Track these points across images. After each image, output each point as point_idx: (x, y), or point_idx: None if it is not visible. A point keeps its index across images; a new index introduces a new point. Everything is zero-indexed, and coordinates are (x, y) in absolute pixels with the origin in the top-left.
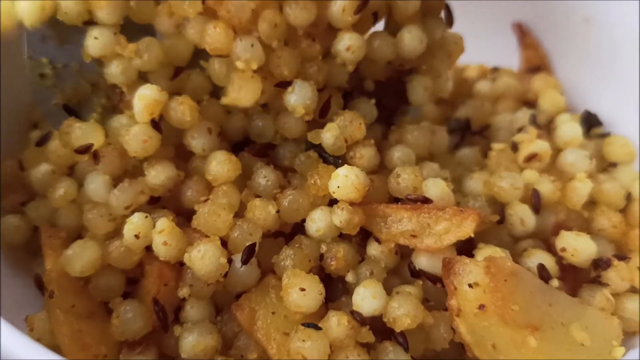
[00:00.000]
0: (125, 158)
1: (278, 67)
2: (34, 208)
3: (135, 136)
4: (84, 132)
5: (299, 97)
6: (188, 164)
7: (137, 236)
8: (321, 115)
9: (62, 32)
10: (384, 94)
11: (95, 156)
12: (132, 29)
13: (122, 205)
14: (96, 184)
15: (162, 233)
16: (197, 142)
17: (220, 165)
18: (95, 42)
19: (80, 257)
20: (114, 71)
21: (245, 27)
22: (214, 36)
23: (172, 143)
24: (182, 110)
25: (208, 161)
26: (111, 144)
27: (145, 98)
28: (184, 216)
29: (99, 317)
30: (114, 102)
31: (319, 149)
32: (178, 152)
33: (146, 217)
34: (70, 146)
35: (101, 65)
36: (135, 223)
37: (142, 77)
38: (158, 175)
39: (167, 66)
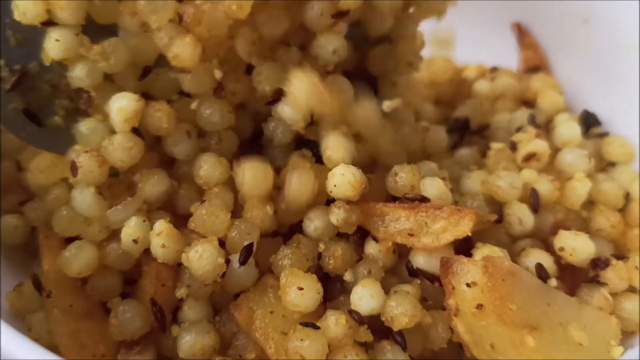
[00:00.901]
0: (105, 165)
1: (260, 84)
2: (31, 208)
3: (120, 144)
4: None
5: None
6: (173, 169)
7: (135, 241)
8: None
9: (19, 33)
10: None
11: (73, 167)
12: (93, 28)
13: (121, 222)
14: (83, 199)
15: (160, 235)
16: (179, 149)
17: (211, 170)
18: (57, 44)
19: (78, 258)
20: (79, 74)
21: (215, 43)
22: (181, 52)
23: (151, 149)
24: (159, 117)
25: (197, 166)
26: (88, 152)
27: (124, 111)
28: (179, 216)
29: (97, 316)
30: (82, 107)
31: (311, 146)
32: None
33: (144, 220)
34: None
35: (62, 68)
36: (133, 227)
37: (108, 78)
38: (154, 188)
39: (135, 66)
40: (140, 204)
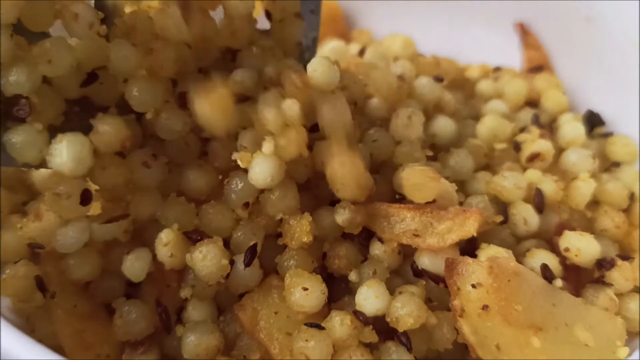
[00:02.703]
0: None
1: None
2: (33, 208)
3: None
4: None
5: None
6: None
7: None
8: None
9: None
10: None
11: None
12: (23, 28)
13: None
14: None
15: (167, 246)
16: (150, 175)
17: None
18: None
19: (81, 266)
20: (18, 79)
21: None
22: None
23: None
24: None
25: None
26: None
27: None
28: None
29: (102, 317)
30: (20, 114)
31: None
32: None
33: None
34: None
35: None
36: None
37: (46, 82)
38: (144, 209)
39: (78, 71)
40: (126, 226)
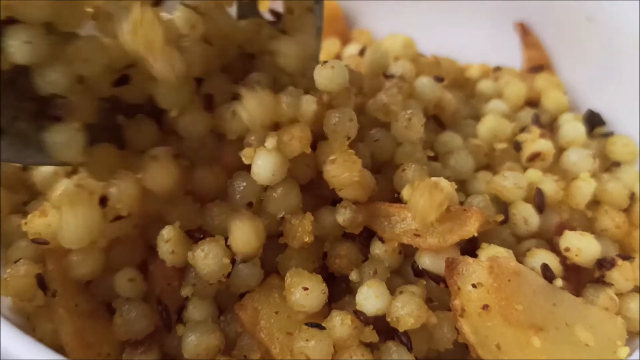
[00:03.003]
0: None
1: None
2: (34, 208)
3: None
4: None
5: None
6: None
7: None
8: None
9: None
10: None
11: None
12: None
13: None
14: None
15: (169, 242)
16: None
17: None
18: (27, 47)
19: (84, 264)
20: (54, 79)
21: None
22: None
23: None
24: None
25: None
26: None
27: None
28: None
29: (102, 316)
30: (59, 114)
31: None
32: None
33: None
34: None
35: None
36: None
37: (79, 81)
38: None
39: (110, 70)
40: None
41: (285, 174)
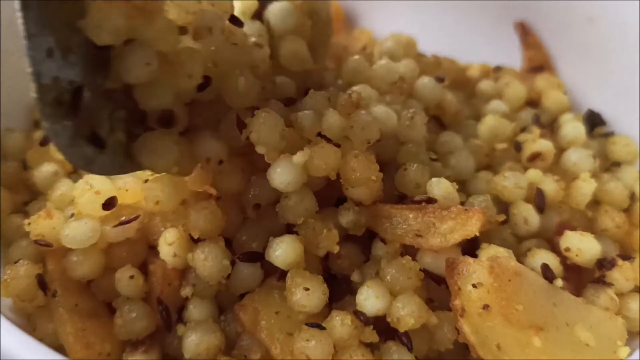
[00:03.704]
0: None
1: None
2: (35, 208)
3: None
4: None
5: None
6: None
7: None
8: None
9: (62, 38)
10: None
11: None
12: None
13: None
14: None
15: (172, 245)
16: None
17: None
18: (147, 68)
19: (83, 264)
20: (160, 95)
21: None
22: None
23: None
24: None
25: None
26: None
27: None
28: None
29: (103, 315)
30: (161, 126)
31: None
32: None
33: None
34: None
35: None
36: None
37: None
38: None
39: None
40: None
41: (298, 187)
